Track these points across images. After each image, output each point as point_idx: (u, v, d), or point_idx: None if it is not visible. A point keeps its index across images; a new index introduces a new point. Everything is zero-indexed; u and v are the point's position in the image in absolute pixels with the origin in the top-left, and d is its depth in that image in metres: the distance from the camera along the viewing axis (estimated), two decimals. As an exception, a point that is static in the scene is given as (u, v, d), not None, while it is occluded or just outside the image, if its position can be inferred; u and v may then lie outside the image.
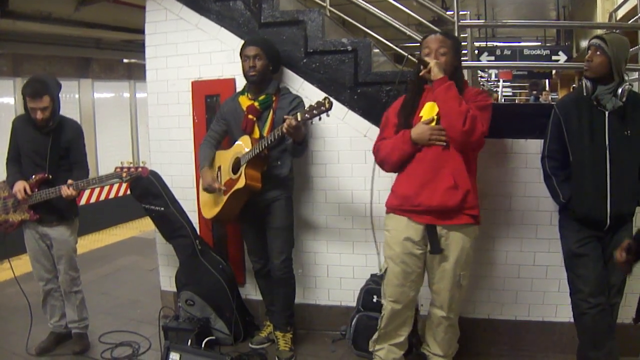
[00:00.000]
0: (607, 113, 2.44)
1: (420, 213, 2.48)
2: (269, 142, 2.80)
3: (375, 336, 2.72)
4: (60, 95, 3.08)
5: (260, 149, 2.81)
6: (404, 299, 2.58)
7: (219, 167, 3.09)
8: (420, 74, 2.45)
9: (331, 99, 2.58)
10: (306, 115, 2.60)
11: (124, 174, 2.91)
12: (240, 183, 2.87)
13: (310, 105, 2.61)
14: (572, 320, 2.77)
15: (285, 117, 2.69)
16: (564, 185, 2.58)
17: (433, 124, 2.45)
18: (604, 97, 2.44)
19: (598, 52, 2.42)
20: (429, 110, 2.48)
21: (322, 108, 2.57)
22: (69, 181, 2.93)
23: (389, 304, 2.60)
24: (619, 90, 2.42)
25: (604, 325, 2.49)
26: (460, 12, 3.41)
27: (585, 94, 2.48)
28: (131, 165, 2.93)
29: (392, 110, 2.64)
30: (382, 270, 2.65)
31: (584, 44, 8.85)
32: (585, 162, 2.49)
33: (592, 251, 2.52)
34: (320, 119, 2.63)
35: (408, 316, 2.66)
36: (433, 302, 2.65)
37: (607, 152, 2.43)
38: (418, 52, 2.61)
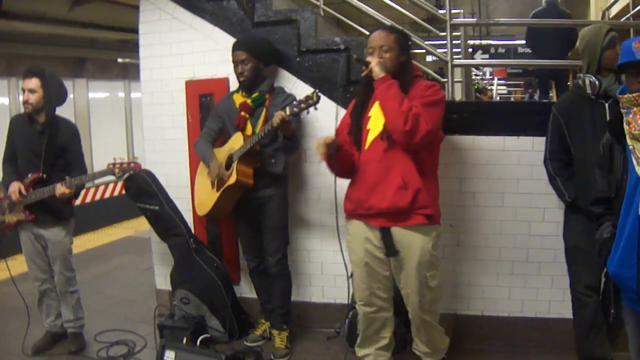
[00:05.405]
0: (607, 105, 2.43)
1: (373, 216, 2.42)
2: (260, 137, 2.84)
3: (358, 341, 2.65)
4: (60, 97, 3.09)
5: (252, 145, 2.85)
6: (375, 302, 2.51)
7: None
8: (363, 74, 2.39)
9: (319, 92, 2.64)
10: (294, 109, 2.68)
11: (117, 170, 2.90)
12: (232, 179, 2.90)
13: (299, 100, 2.69)
14: (564, 316, 2.80)
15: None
16: (568, 184, 2.59)
17: (379, 129, 2.39)
18: (612, 88, 2.40)
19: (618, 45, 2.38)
20: (377, 110, 2.41)
21: (310, 101, 2.65)
22: (67, 178, 2.92)
23: (361, 308, 2.55)
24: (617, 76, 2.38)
25: (600, 317, 2.55)
26: (454, 10, 3.42)
27: (589, 91, 2.44)
28: (123, 161, 2.93)
29: (347, 112, 2.61)
30: (350, 275, 2.64)
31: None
32: (588, 158, 2.46)
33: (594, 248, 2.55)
34: (308, 112, 2.71)
35: (386, 318, 2.57)
36: (407, 305, 2.56)
37: None
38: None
